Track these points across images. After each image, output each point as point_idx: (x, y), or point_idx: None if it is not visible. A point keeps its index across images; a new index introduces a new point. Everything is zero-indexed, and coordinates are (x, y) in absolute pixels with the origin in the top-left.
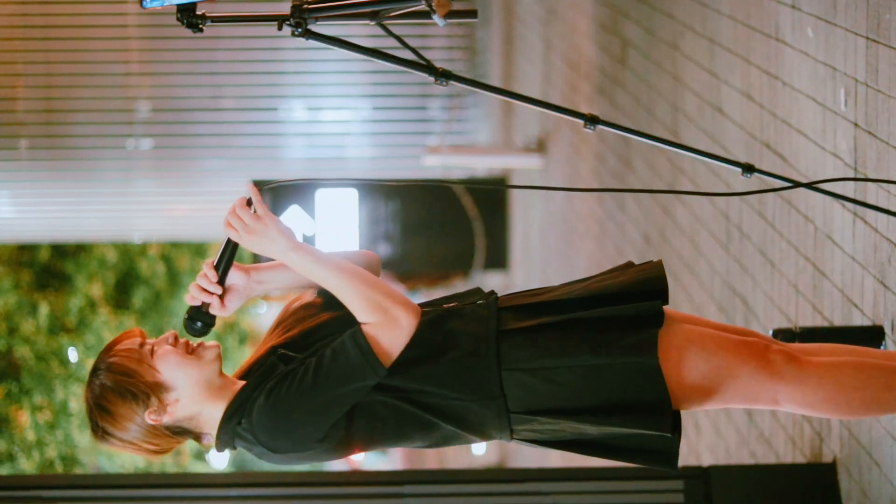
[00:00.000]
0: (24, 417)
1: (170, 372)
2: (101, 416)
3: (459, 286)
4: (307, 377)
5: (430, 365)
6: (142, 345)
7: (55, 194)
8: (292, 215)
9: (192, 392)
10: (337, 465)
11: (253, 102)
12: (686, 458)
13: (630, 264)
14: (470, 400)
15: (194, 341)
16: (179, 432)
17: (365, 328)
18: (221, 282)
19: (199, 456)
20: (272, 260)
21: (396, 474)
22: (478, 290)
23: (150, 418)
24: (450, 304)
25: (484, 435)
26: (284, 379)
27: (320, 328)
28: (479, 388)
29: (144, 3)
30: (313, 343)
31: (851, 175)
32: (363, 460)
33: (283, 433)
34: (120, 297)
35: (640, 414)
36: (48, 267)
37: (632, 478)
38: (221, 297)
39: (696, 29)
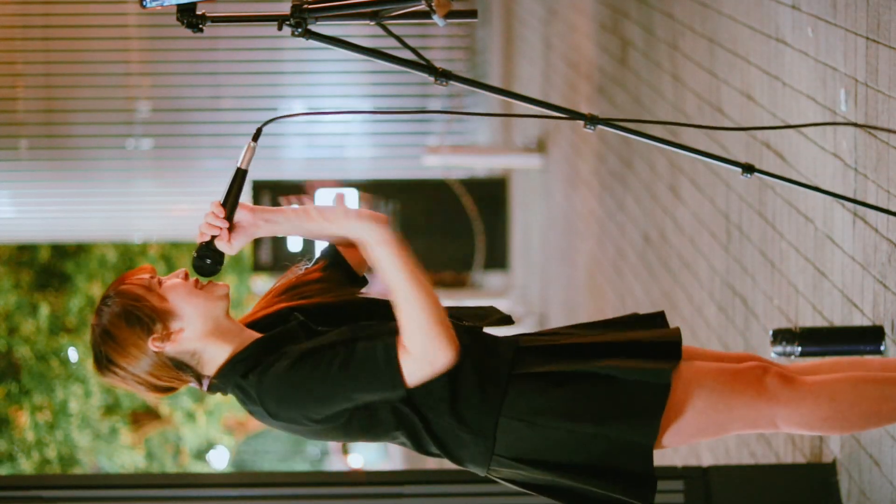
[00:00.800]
0: (23, 417)
1: (177, 301)
2: (105, 344)
3: (459, 284)
4: (332, 368)
5: (436, 381)
6: (152, 277)
7: (55, 194)
8: None
9: (198, 325)
10: (337, 465)
11: (253, 102)
12: (686, 458)
13: (655, 317)
14: (459, 429)
15: (204, 281)
16: (182, 367)
17: (401, 349)
18: (229, 218)
19: (199, 456)
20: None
21: (396, 474)
22: (493, 310)
23: (153, 345)
24: (469, 323)
25: (461, 463)
26: (309, 356)
27: (344, 307)
28: (472, 422)
29: (144, 3)
30: (334, 320)
31: (852, 176)
32: (363, 461)
33: (289, 406)
34: None
35: (625, 483)
36: (48, 267)
37: None
38: (230, 232)
39: (696, 29)
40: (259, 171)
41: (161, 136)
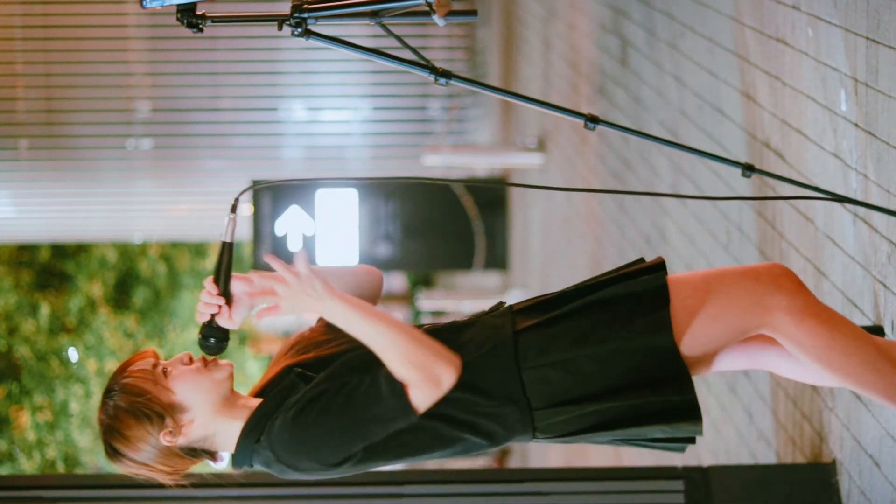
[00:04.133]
0: (24, 418)
1: (184, 392)
2: (114, 438)
3: (460, 284)
4: (335, 407)
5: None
6: (155, 365)
7: (55, 194)
8: (292, 216)
9: (207, 412)
10: None
11: (252, 102)
12: (686, 458)
13: (641, 261)
14: (493, 404)
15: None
16: (194, 454)
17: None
18: (225, 294)
19: None
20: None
21: (396, 474)
22: (498, 304)
23: (165, 439)
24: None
25: (509, 439)
26: (311, 402)
27: (341, 356)
28: (500, 389)
29: (144, 3)
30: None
31: (853, 176)
32: None
33: (304, 454)
34: (120, 297)
35: (663, 386)
36: (48, 267)
37: (632, 478)
38: (228, 306)
39: (696, 29)
40: (259, 171)
41: (161, 136)
